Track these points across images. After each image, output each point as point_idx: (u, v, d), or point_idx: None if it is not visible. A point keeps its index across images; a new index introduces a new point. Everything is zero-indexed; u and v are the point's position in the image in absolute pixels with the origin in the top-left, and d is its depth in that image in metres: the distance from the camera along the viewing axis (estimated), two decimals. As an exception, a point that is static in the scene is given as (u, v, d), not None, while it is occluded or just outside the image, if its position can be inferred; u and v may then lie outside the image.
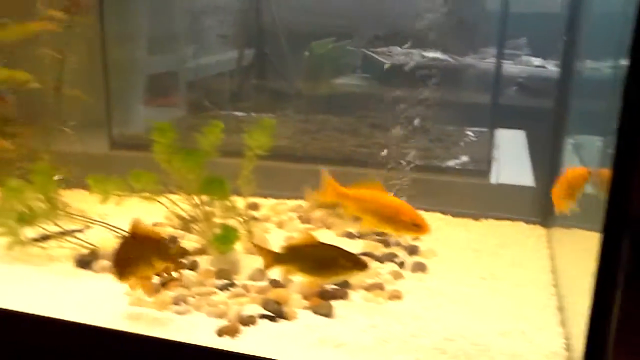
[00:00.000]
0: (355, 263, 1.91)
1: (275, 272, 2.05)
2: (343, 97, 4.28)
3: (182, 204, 2.32)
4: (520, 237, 2.59)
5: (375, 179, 2.08)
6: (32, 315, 1.85)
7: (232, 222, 2.29)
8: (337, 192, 2.12)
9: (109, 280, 2.14)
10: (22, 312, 1.85)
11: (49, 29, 2.57)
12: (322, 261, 1.92)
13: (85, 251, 2.29)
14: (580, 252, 2.04)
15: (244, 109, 4.08)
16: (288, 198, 2.93)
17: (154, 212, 2.73)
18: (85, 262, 2.23)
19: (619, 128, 1.24)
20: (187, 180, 2.17)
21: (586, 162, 2.52)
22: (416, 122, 2.77)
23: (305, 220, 2.67)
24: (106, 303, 1.99)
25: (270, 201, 2.91)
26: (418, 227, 2.02)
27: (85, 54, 2.76)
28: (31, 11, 2.61)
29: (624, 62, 1.99)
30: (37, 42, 2.64)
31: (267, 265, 1.97)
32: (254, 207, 2.75)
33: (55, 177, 2.35)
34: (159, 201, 2.29)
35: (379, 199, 2.04)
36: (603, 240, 1.30)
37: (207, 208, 2.28)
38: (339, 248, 1.95)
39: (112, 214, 2.46)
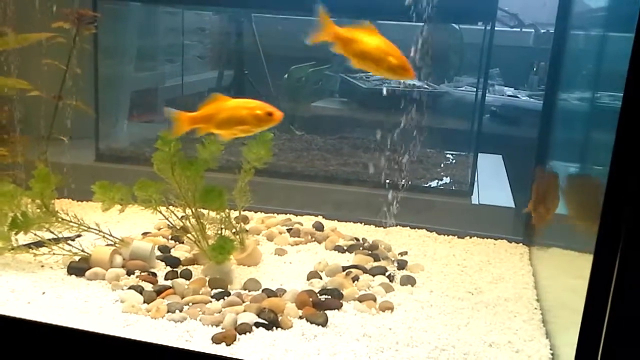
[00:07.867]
0: None
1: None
2: (322, 118, 4.36)
3: (179, 213, 2.34)
4: (503, 255, 2.68)
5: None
6: (24, 320, 1.83)
7: (226, 233, 2.32)
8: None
9: (102, 288, 2.15)
10: (13, 317, 1.84)
11: (48, 39, 2.58)
12: None
13: (77, 258, 2.28)
14: (560, 269, 2.14)
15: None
16: (277, 212, 2.97)
17: (145, 222, 2.75)
18: (77, 269, 2.23)
19: (614, 151, 1.31)
20: (186, 190, 2.19)
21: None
22: (397, 144, 2.83)
23: (294, 233, 2.70)
24: (99, 310, 1.99)
25: (260, 215, 2.95)
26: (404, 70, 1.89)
27: (79, 67, 2.77)
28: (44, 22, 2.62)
29: (598, 94, 2.11)
30: (41, 52, 2.64)
31: None
32: (244, 219, 2.77)
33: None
34: (159, 211, 2.29)
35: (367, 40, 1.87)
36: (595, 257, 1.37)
37: (201, 219, 2.31)
38: None
39: (102, 222, 2.45)
